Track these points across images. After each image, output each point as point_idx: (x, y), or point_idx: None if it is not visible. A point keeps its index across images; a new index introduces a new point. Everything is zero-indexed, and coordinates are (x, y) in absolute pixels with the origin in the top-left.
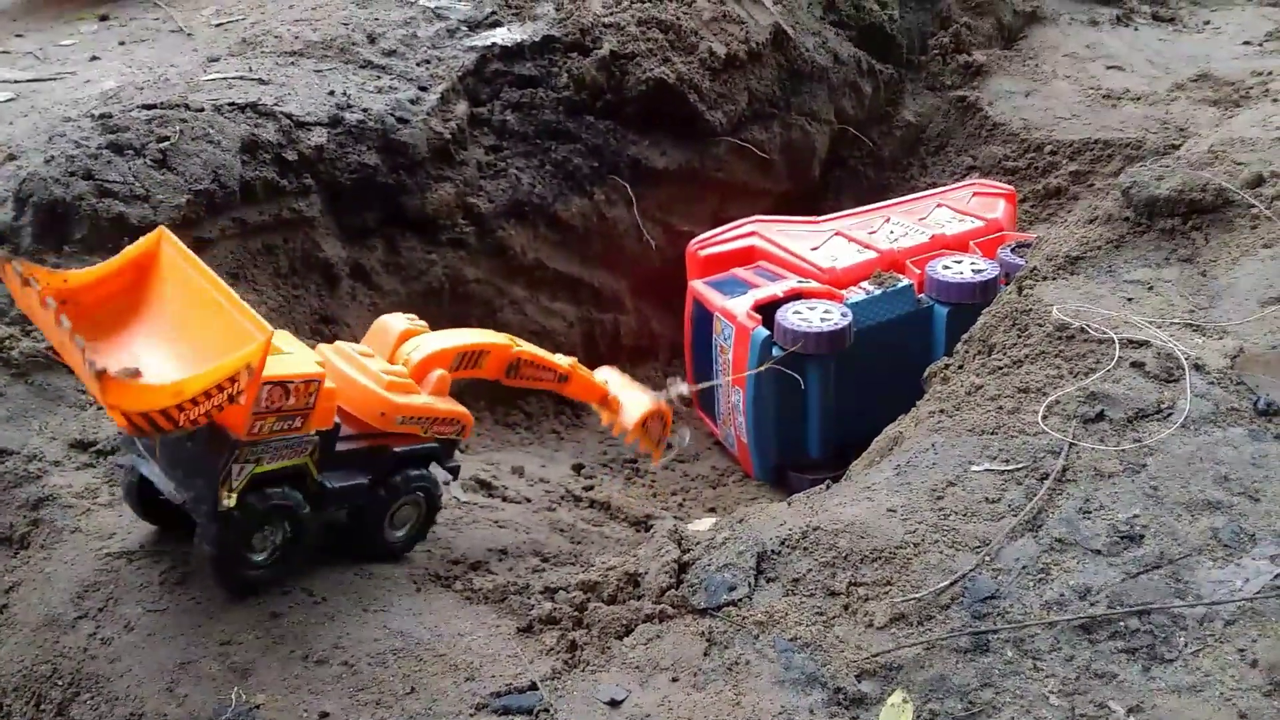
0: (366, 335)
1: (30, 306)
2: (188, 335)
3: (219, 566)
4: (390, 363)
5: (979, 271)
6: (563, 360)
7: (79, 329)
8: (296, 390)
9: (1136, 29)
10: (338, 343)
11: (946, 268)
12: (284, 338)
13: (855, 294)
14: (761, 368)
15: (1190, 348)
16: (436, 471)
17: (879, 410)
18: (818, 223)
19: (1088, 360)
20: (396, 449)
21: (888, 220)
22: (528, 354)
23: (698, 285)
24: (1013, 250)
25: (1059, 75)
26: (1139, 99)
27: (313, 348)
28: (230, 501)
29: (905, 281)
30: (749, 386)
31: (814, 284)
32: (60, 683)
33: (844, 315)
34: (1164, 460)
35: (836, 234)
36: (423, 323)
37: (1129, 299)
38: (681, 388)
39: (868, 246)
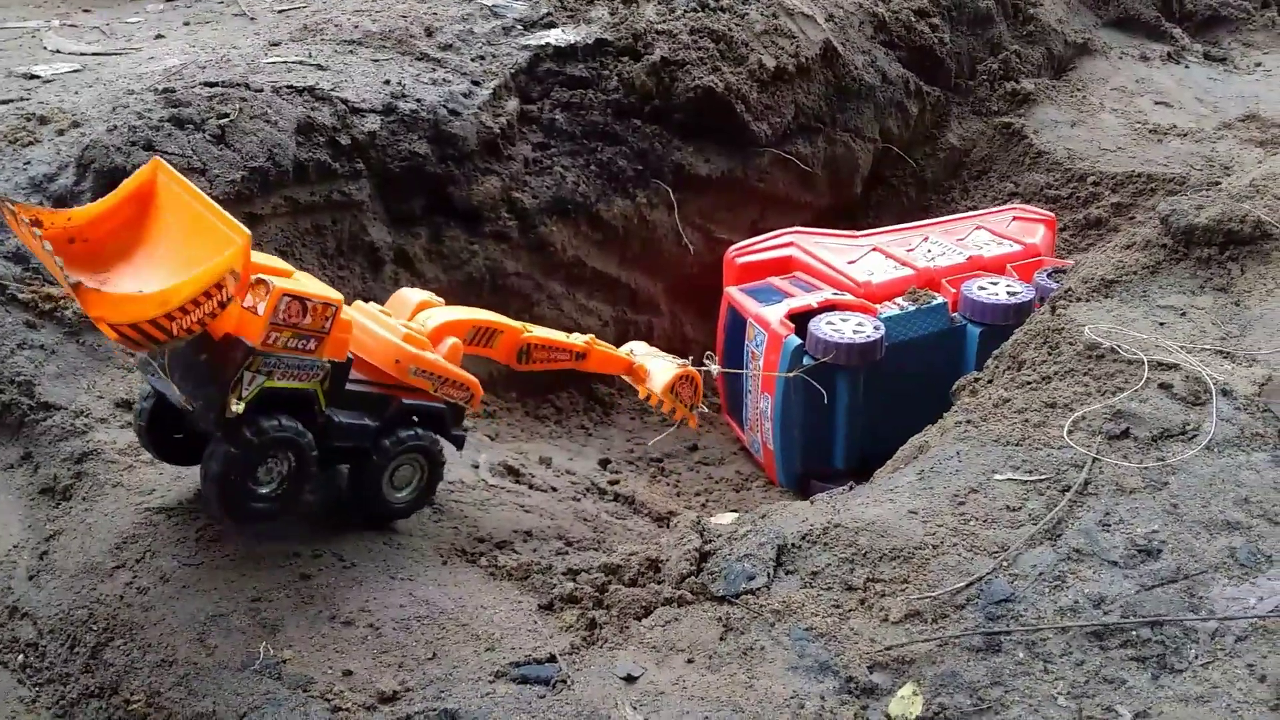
0: (386, 304)
1: (30, 245)
2: (188, 255)
3: (223, 489)
4: None
5: (1014, 294)
6: (578, 339)
7: (88, 263)
8: (314, 310)
9: (1187, 66)
10: (358, 302)
11: (982, 288)
12: (306, 278)
13: (889, 309)
14: (790, 373)
15: (1219, 373)
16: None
17: (906, 425)
18: (856, 237)
19: (1116, 380)
20: (405, 400)
21: (926, 239)
22: (538, 339)
23: (733, 291)
24: (1049, 275)
25: (1106, 108)
26: (1185, 135)
27: None
28: (238, 408)
29: (940, 299)
30: (777, 393)
31: (848, 296)
32: (95, 628)
33: (876, 328)
34: (1186, 480)
35: (874, 249)
36: (439, 299)
37: (1161, 323)
38: (713, 366)
39: (904, 263)
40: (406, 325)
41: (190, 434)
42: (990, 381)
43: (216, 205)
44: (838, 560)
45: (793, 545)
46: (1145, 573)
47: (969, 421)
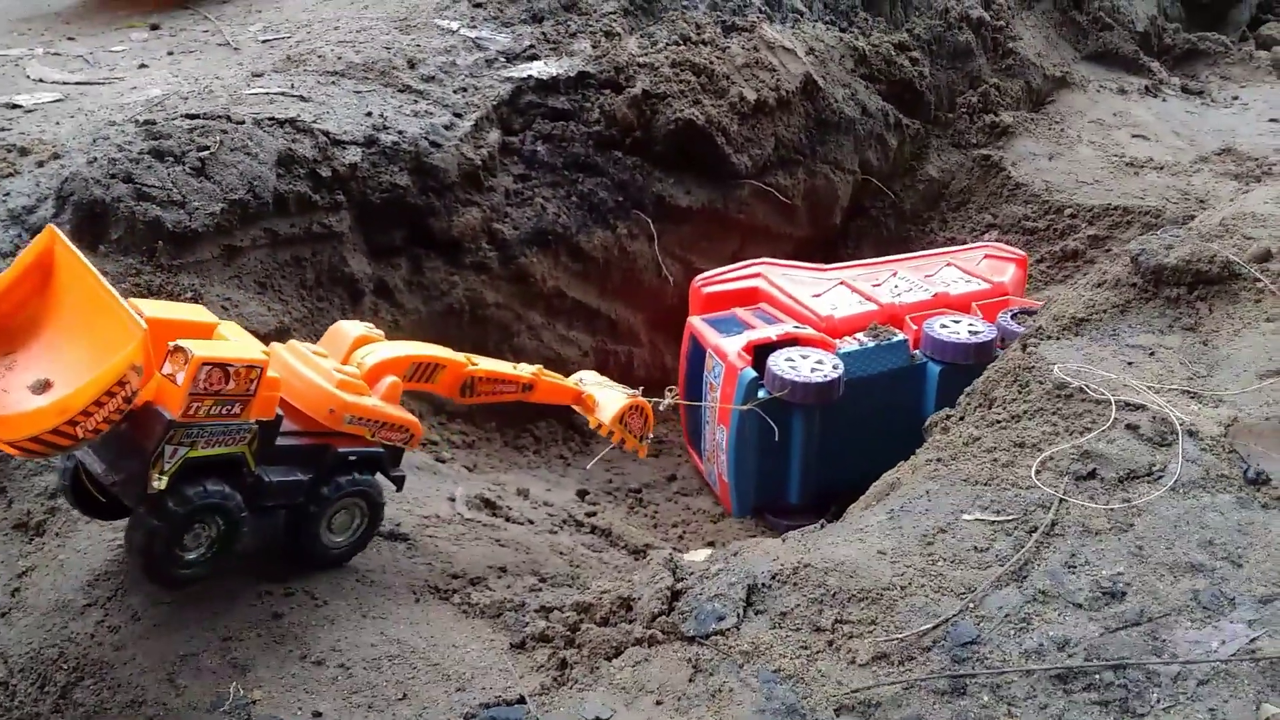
0: (322, 339)
1: None
2: (91, 339)
3: (149, 560)
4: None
5: (975, 333)
6: (525, 370)
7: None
8: (237, 374)
9: (1165, 100)
10: (291, 341)
11: (944, 326)
12: (231, 329)
13: (849, 344)
14: (744, 406)
15: (1186, 414)
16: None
17: (862, 462)
18: (824, 270)
19: (1084, 419)
20: (340, 449)
21: (895, 274)
22: (483, 372)
23: (696, 321)
24: (1013, 316)
25: (1084, 140)
26: (1162, 168)
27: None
28: (160, 484)
29: (900, 336)
30: (732, 426)
31: (809, 330)
32: (65, 666)
33: (835, 367)
34: (1151, 521)
35: (841, 283)
36: (379, 332)
37: (1130, 363)
38: (668, 399)
39: (869, 298)
40: (339, 370)
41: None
42: (962, 419)
43: (110, 288)
44: (807, 601)
45: (763, 585)
46: (1109, 615)
47: (939, 459)
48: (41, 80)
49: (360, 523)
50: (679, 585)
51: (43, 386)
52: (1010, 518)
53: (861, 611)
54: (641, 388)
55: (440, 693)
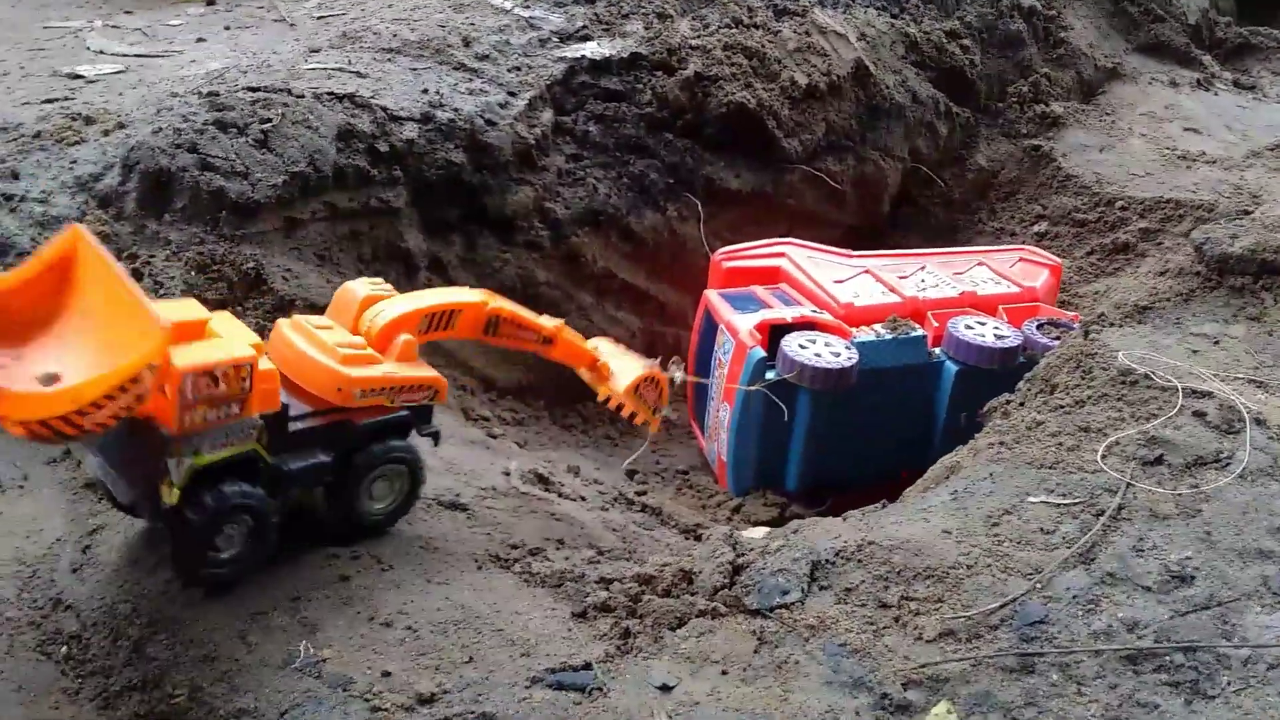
0: (330, 305)
1: None
2: (107, 337)
3: (183, 566)
4: (353, 332)
5: (1001, 338)
6: (548, 322)
7: (7, 333)
8: (226, 376)
9: (1216, 94)
10: (295, 317)
11: (969, 327)
12: (223, 320)
13: (865, 334)
14: (752, 387)
15: (1252, 402)
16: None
17: (866, 456)
18: (850, 256)
19: (1150, 406)
20: (361, 422)
21: (923, 268)
22: (507, 311)
23: (712, 295)
24: (1039, 326)
25: (1135, 133)
26: (1214, 162)
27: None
28: (173, 498)
29: (919, 331)
30: (736, 405)
31: (827, 316)
32: (139, 621)
33: (849, 356)
34: (1219, 507)
35: (866, 271)
36: (388, 286)
37: (1194, 351)
38: (679, 372)
39: (893, 290)
40: (344, 344)
41: None
42: (1022, 404)
43: (135, 287)
44: (872, 577)
45: (826, 561)
46: (1178, 598)
47: (1002, 443)
48: (102, 52)
49: (401, 487)
50: (740, 560)
51: (50, 379)
52: (1076, 501)
53: (927, 589)
54: (659, 358)
55: (505, 657)
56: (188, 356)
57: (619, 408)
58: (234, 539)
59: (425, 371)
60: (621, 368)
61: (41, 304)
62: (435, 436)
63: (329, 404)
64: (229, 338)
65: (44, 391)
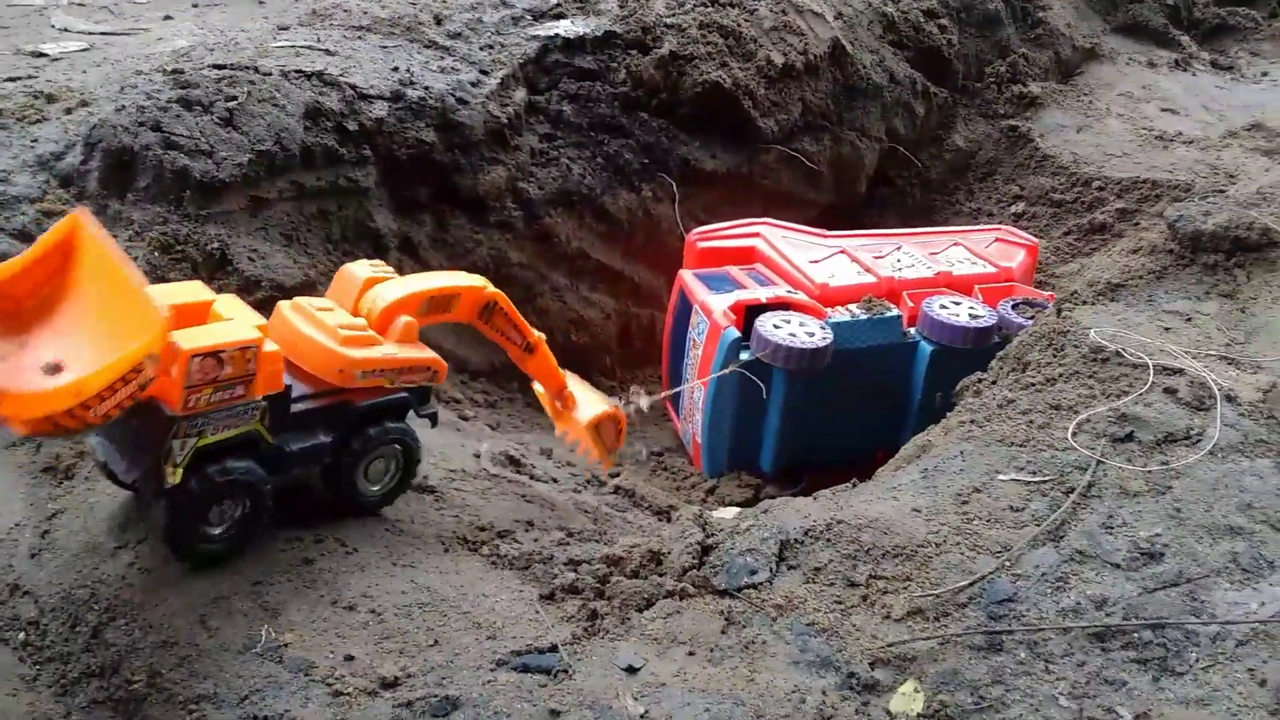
0: (330, 286)
1: None
2: (109, 321)
3: (173, 536)
4: (354, 313)
5: (976, 317)
6: (534, 331)
7: (8, 322)
8: (232, 359)
9: (1194, 74)
10: (297, 299)
11: (944, 307)
12: (227, 302)
13: (840, 314)
14: (727, 370)
15: (1224, 379)
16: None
17: (841, 436)
18: (825, 237)
19: (1121, 383)
20: (361, 404)
21: (899, 248)
22: (505, 301)
23: (686, 275)
24: (1014, 306)
25: (1112, 113)
26: (1191, 143)
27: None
28: (175, 479)
29: (894, 311)
30: (710, 387)
31: (802, 296)
32: (97, 607)
33: (824, 336)
34: (1189, 484)
35: (842, 251)
36: (389, 269)
37: (1166, 328)
38: (644, 400)
39: (868, 270)
40: (345, 325)
41: None
42: (994, 382)
43: (136, 274)
44: (840, 556)
45: (795, 540)
46: (1147, 575)
47: (973, 422)
48: (67, 29)
49: (396, 469)
50: (709, 540)
51: (53, 369)
52: (1046, 479)
53: (896, 568)
54: (621, 399)
55: (471, 640)
56: (193, 339)
57: (575, 443)
58: (227, 515)
59: (425, 353)
60: (585, 401)
61: (41, 291)
62: (433, 418)
63: (330, 385)
64: (234, 320)
65: (46, 389)
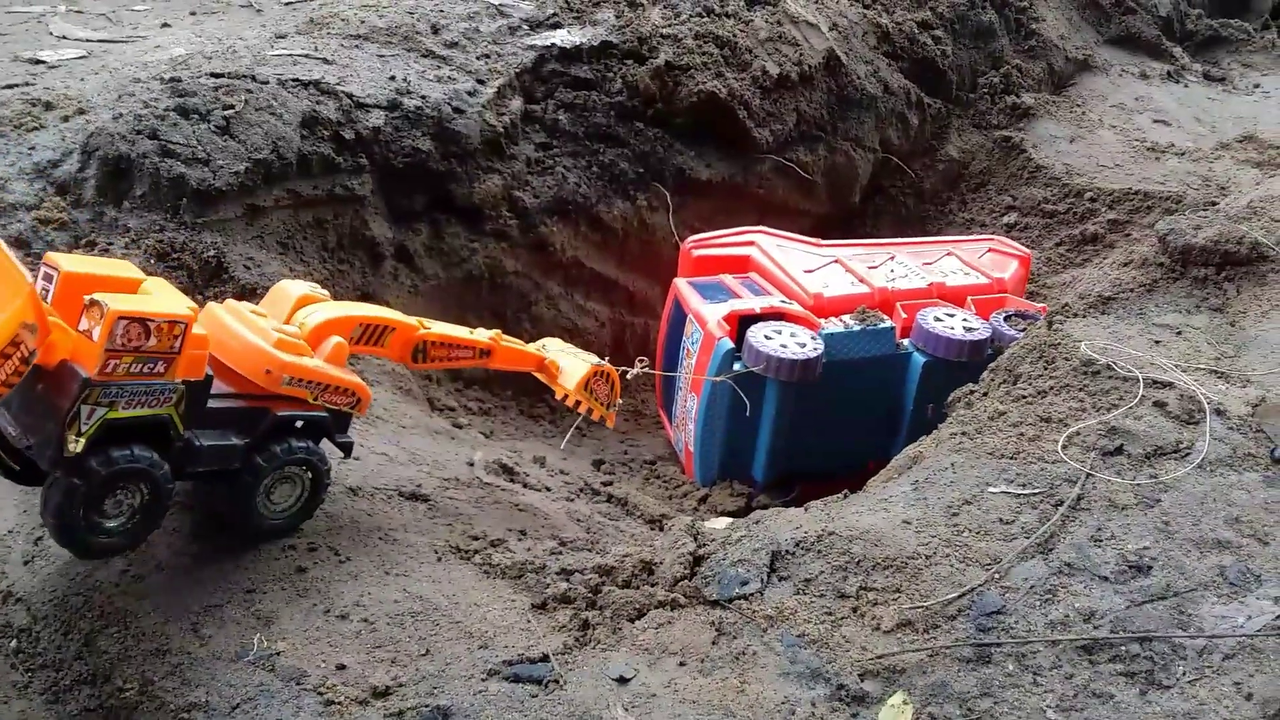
0: (263, 299)
1: None
2: None
3: (63, 524)
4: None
5: (970, 330)
6: (482, 335)
7: None
8: (159, 330)
9: (1186, 86)
10: (229, 301)
11: (938, 319)
12: (158, 285)
13: (834, 325)
14: (718, 378)
15: (1213, 393)
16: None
17: (833, 447)
18: (820, 246)
19: (1111, 396)
20: (280, 413)
21: (892, 258)
22: (436, 336)
23: (681, 284)
24: (1006, 318)
25: (1105, 124)
26: (1183, 154)
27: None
28: (77, 447)
29: (887, 323)
30: (703, 395)
31: (795, 306)
32: (90, 614)
33: (816, 347)
34: (1178, 498)
35: (836, 261)
36: (324, 292)
37: (1157, 341)
38: (637, 369)
39: (862, 280)
40: (279, 329)
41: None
42: (985, 394)
43: (3, 246)
44: (831, 568)
45: (786, 552)
46: (1135, 589)
47: (964, 433)
48: (64, 37)
49: (303, 493)
50: (701, 551)
51: None
52: (1036, 491)
53: (886, 579)
54: (607, 356)
55: (463, 649)
56: (123, 303)
57: (576, 404)
58: (123, 507)
59: (353, 377)
60: (570, 365)
61: None
62: (347, 448)
63: (252, 388)
64: (165, 296)
65: None
